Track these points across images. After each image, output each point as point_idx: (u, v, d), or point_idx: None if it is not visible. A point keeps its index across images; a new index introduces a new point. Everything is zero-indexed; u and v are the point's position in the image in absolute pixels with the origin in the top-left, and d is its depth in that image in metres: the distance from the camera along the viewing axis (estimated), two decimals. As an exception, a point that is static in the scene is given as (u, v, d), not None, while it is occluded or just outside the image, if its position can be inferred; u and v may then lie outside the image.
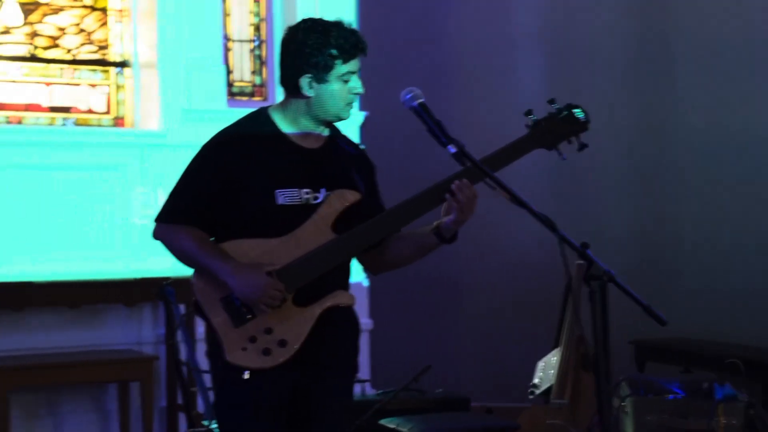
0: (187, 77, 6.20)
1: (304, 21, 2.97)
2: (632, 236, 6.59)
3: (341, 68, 2.91)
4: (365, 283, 6.46)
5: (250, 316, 2.88)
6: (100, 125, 6.25)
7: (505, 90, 6.63)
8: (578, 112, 2.97)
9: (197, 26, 6.24)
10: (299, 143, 2.98)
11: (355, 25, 2.98)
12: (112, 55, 6.32)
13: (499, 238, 6.64)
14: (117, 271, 5.88)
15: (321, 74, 2.90)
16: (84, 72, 6.25)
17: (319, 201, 2.94)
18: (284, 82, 2.97)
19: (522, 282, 6.60)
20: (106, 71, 6.31)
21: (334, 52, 2.90)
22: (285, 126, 2.98)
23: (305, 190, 2.93)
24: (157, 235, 2.98)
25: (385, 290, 6.58)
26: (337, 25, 2.93)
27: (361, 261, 3.10)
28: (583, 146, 2.97)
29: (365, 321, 6.41)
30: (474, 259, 6.68)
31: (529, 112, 2.97)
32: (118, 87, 6.32)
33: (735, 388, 4.38)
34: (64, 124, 6.16)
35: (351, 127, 6.38)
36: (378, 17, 6.68)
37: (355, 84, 2.95)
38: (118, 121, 6.31)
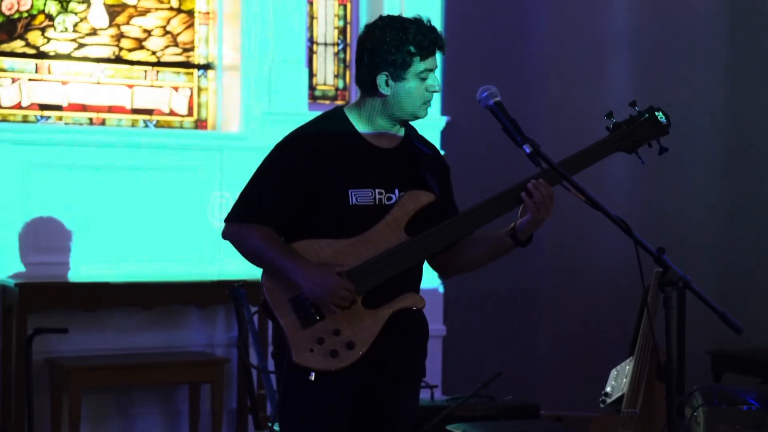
0: (269, 80, 6.25)
1: (382, 18, 2.96)
2: (714, 243, 6.50)
3: (419, 66, 2.90)
4: (441, 289, 6.47)
5: (318, 317, 2.87)
6: (181, 127, 6.33)
7: (594, 92, 6.56)
8: (660, 115, 2.95)
9: (282, 29, 6.29)
10: (374, 143, 2.97)
11: (440, 27, 2.97)
12: (197, 58, 6.40)
13: (576, 245, 6.58)
14: (193, 273, 5.94)
15: (398, 72, 2.89)
16: (167, 74, 6.34)
17: (392, 202, 2.93)
18: (360, 80, 2.96)
19: (597, 289, 6.52)
20: (190, 74, 6.39)
21: (412, 49, 2.88)
22: (360, 125, 2.97)
23: (379, 190, 2.93)
24: (226, 234, 2.98)
25: (460, 297, 6.57)
26: (416, 22, 2.91)
27: (432, 263, 3.07)
28: (663, 150, 2.95)
29: (439, 327, 6.42)
30: (549, 267, 6.62)
31: (609, 115, 2.94)
32: (201, 89, 6.39)
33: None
34: (146, 126, 6.25)
35: (432, 132, 6.37)
36: (464, 20, 6.66)
37: (433, 82, 2.93)
38: (200, 124, 6.39)
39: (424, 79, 2.91)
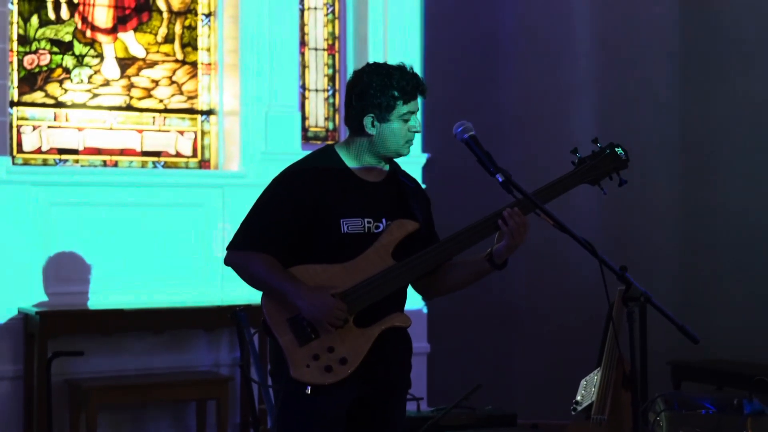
0: (266, 123, 6.25)
1: (369, 65, 2.96)
2: (673, 260, 6.52)
3: (402, 108, 2.90)
4: (425, 309, 6.45)
5: (314, 335, 2.85)
6: (186, 167, 6.31)
7: (560, 129, 6.59)
8: (619, 151, 2.97)
9: (277, 78, 6.29)
10: (363, 177, 2.97)
11: (420, 73, 2.98)
12: (200, 104, 6.40)
13: (550, 267, 6.56)
14: (199, 299, 5.91)
15: (383, 114, 2.89)
16: (173, 120, 6.33)
17: (380, 230, 2.93)
18: (349, 121, 2.96)
19: (569, 307, 6.50)
20: (194, 119, 6.38)
21: (396, 93, 2.88)
22: (349, 161, 2.97)
23: (368, 219, 2.93)
24: (229, 261, 2.96)
25: (442, 316, 6.53)
26: (399, 69, 2.92)
27: (416, 286, 3.07)
28: (622, 182, 2.95)
29: (423, 345, 6.37)
30: (526, 287, 6.60)
31: (575, 151, 2.95)
32: (204, 133, 6.39)
33: (763, 403, 4.28)
34: (154, 167, 6.23)
35: (414, 168, 6.36)
36: (442, 66, 6.68)
37: (415, 123, 2.93)
38: (203, 164, 6.37)
39: (406, 121, 2.91)
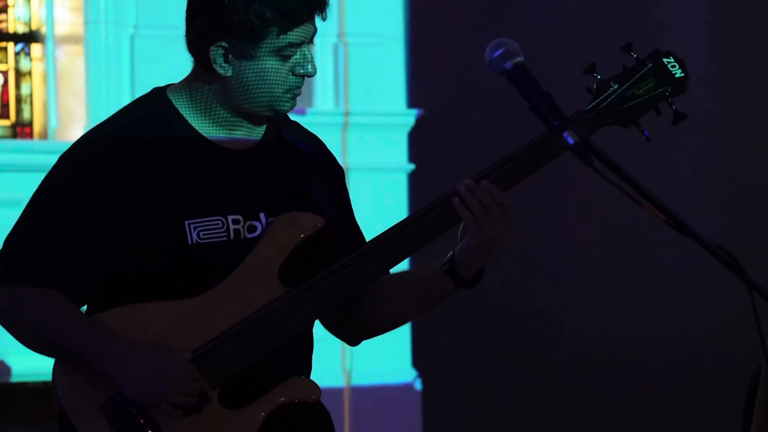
0: (132, 58, 6.31)
1: None
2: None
3: (278, 39, 2.91)
4: (418, 385, 6.45)
5: (150, 428, 2.87)
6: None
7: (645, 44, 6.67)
8: (671, 63, 2.99)
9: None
10: (220, 143, 3.00)
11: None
12: (12, 24, 6.45)
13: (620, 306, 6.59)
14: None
15: (245, 45, 2.90)
16: (-38, 52, 6.42)
17: (257, 233, 2.96)
18: (190, 49, 2.98)
19: (670, 361, 6.66)
20: (2, 49, 6.42)
21: (266, 13, 2.87)
22: (194, 117, 3.01)
23: (233, 217, 2.96)
24: None
25: (443, 393, 6.62)
26: None
27: (330, 325, 3.11)
28: (680, 117, 2.96)
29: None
30: (573, 326, 6.68)
31: (591, 69, 2.94)
32: (20, 75, 6.45)
33: None
34: None
35: (396, 133, 6.40)
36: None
37: (303, 60, 2.93)
38: (20, 130, 6.46)
39: (287, 57, 2.93)
